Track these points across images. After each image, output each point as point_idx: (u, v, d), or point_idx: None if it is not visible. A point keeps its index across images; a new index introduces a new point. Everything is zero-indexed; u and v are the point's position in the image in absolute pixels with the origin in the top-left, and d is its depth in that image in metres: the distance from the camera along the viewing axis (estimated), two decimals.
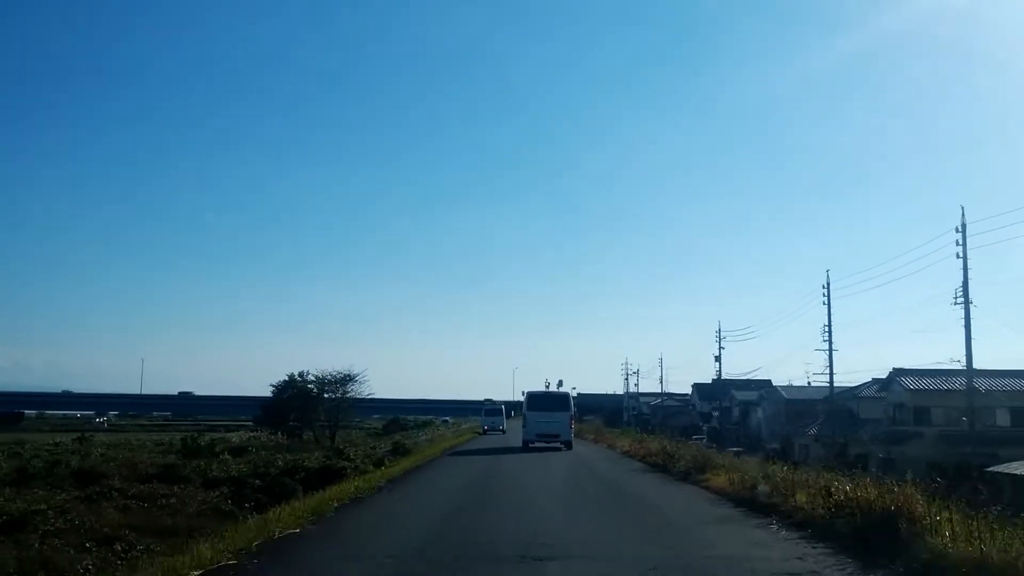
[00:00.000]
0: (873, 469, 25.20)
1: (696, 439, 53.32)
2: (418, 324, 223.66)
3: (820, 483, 12.29)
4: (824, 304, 54.55)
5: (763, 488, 14.27)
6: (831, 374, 54.22)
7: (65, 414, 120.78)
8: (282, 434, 47.00)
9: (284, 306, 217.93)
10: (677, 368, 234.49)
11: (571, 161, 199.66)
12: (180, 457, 29.41)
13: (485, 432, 58.68)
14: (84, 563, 10.92)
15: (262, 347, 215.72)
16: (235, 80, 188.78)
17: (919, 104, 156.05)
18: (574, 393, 53.11)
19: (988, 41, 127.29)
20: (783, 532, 11.53)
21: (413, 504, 15.73)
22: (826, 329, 54.30)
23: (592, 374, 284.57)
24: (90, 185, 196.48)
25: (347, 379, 45.87)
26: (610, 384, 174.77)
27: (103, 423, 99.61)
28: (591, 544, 10.69)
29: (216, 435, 49.43)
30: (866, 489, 10.59)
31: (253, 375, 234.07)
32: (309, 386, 46.00)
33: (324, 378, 45.77)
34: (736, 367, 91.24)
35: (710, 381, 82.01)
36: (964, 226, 39.59)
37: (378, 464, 24.62)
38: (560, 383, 48.71)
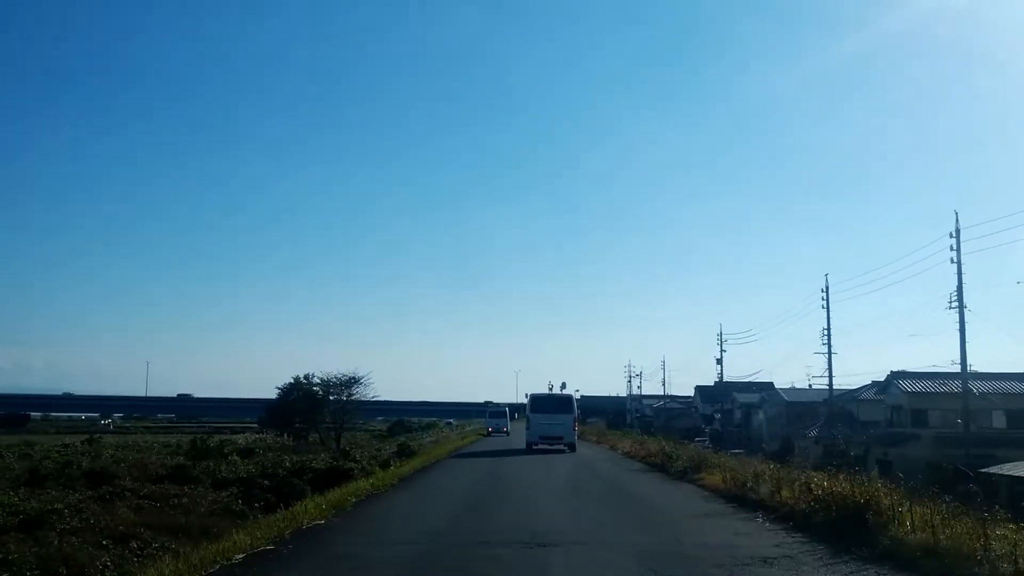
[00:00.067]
0: (871, 470, 25.61)
1: (699, 441, 53.83)
2: (419, 325, 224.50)
3: (802, 480, 13.20)
4: (823, 308, 55.10)
5: (752, 485, 14.98)
6: (830, 377, 54.75)
7: (70, 416, 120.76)
8: (288, 436, 47.41)
9: (284, 307, 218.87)
10: (679, 370, 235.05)
11: (571, 161, 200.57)
12: (189, 458, 29.82)
13: (490, 433, 59.55)
14: (103, 559, 11.33)
15: (261, 349, 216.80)
16: (235, 80, 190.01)
17: (919, 104, 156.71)
18: (577, 395, 52.98)
19: (988, 41, 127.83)
20: (767, 524, 12.41)
21: (426, 499, 16.70)
22: (825, 332, 54.83)
23: (595, 376, 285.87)
24: (90, 185, 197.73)
25: (352, 381, 46.15)
26: (613, 387, 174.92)
27: (108, 425, 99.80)
28: (591, 533, 11.65)
29: (223, 437, 49.92)
30: (841, 485, 11.50)
31: (252, 377, 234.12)
32: (314, 388, 46.33)
33: (329, 380, 46.10)
34: (738, 369, 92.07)
35: (712, 384, 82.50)
36: (958, 231, 40.00)
37: (384, 466, 25.04)
38: (563, 385, 49.06)
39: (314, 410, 46.20)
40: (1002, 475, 29.55)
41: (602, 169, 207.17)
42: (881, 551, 9.37)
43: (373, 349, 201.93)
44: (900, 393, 47.93)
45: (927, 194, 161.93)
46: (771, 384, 72.31)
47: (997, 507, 9.87)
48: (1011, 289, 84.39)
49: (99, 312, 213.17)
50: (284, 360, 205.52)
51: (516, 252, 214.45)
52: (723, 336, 75.60)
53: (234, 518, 15.24)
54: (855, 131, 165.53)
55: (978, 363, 51.94)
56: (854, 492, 10.93)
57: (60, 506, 14.16)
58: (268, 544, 10.37)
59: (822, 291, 55.15)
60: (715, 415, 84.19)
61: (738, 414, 77.90)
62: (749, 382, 74.36)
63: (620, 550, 10.23)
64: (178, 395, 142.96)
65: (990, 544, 8.24)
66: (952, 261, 40.18)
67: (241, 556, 9.53)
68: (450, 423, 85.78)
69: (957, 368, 40.96)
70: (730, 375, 77.64)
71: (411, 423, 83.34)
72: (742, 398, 76.47)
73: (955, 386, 42.52)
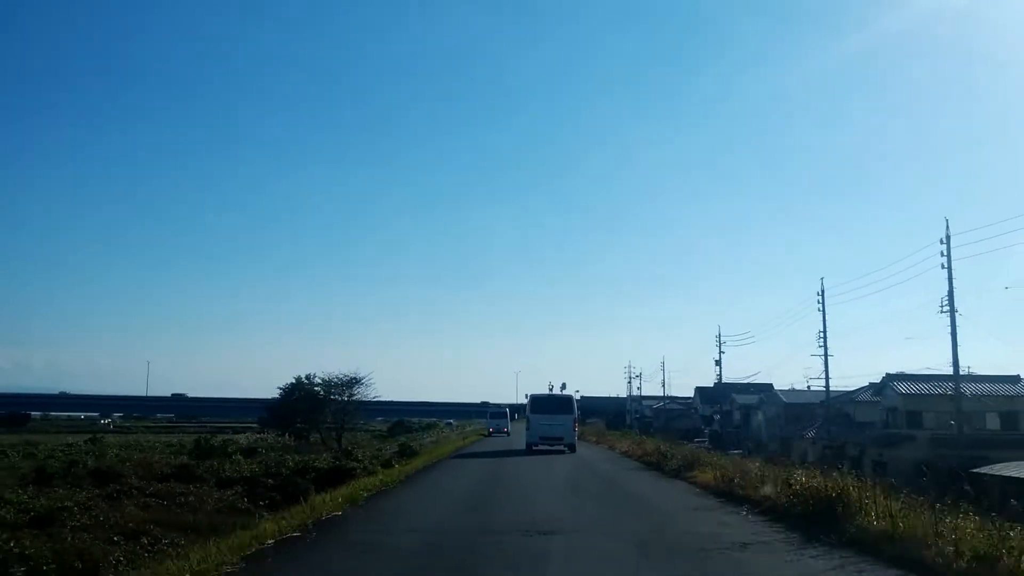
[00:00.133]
0: (867, 470, 25.99)
1: (698, 442, 54.29)
2: (419, 325, 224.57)
3: (783, 476, 14.26)
4: (820, 310, 55.50)
5: (739, 482, 16.07)
6: (827, 379, 55.11)
7: (69, 415, 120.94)
8: (289, 436, 47.75)
9: (284, 307, 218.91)
10: (679, 371, 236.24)
11: (571, 161, 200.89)
12: (192, 457, 30.17)
13: (490, 434, 60.19)
14: (115, 554, 11.76)
15: (261, 349, 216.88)
16: (235, 80, 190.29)
17: (919, 104, 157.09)
18: (577, 396, 53.06)
19: (988, 41, 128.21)
20: (750, 516, 13.48)
21: (431, 495, 17.83)
22: (822, 335, 55.22)
23: (595, 377, 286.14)
24: (90, 185, 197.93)
25: (353, 382, 46.42)
26: (613, 387, 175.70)
27: (108, 425, 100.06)
28: (589, 523, 12.80)
29: (225, 437, 50.30)
30: (816, 480, 12.70)
31: (252, 377, 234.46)
32: (316, 389, 46.67)
33: (331, 381, 46.42)
34: (738, 371, 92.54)
35: (712, 385, 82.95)
36: (948, 237, 40.71)
37: (386, 465, 25.43)
38: (563, 385, 49.27)
39: (315, 410, 46.52)
40: (993, 475, 30.08)
41: (602, 169, 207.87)
42: (847, 538, 10.44)
43: (373, 349, 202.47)
44: (895, 395, 48.42)
45: (927, 195, 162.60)
46: (770, 385, 72.82)
47: (987, 506, 10.56)
48: (1003, 294, 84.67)
49: (98, 312, 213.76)
50: (284, 360, 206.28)
51: (516, 252, 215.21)
52: (722, 338, 76.30)
53: (240, 516, 15.62)
54: (855, 131, 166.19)
55: (973, 366, 52.45)
56: (827, 486, 12.03)
57: (69, 504, 14.35)
58: (295, 531, 11.59)
59: (818, 294, 55.63)
60: (714, 416, 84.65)
61: (737, 415, 78.37)
62: (748, 383, 74.88)
63: (615, 537, 11.26)
64: (172, 395, 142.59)
65: (940, 531, 9.25)
66: (942, 267, 40.83)
67: (272, 541, 10.77)
68: (450, 423, 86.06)
69: (951, 371, 41.41)
70: (729, 376, 78.30)
71: (411, 423, 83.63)
72: (741, 399, 76.98)
73: (949, 388, 42.99)
